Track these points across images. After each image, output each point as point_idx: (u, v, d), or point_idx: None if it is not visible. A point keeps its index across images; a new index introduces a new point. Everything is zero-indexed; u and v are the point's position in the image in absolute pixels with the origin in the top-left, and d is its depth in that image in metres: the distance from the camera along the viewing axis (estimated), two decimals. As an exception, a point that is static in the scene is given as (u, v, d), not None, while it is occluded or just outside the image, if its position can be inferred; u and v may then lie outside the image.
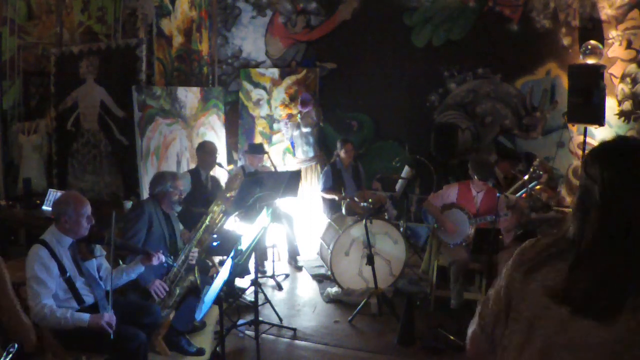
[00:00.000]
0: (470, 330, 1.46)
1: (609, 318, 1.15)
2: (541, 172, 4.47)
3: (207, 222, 3.85)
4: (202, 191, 4.75)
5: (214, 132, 6.34)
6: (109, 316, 2.80)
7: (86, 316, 2.79)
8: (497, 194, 4.08)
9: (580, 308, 1.18)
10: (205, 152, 4.89)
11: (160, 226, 3.63)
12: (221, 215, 3.98)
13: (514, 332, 1.30)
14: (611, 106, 5.52)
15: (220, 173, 5.53)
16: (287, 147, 6.70)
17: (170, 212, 3.76)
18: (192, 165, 5.66)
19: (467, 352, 1.50)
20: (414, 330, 3.93)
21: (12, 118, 6.20)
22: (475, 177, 4.36)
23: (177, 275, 3.55)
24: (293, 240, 5.58)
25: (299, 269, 5.55)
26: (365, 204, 4.72)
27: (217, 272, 2.91)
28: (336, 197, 5.36)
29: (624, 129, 5.57)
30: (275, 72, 6.73)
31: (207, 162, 4.87)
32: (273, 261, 5.13)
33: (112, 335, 2.77)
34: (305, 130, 6.48)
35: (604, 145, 1.27)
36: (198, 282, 3.55)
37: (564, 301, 1.21)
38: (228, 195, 4.21)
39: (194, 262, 3.65)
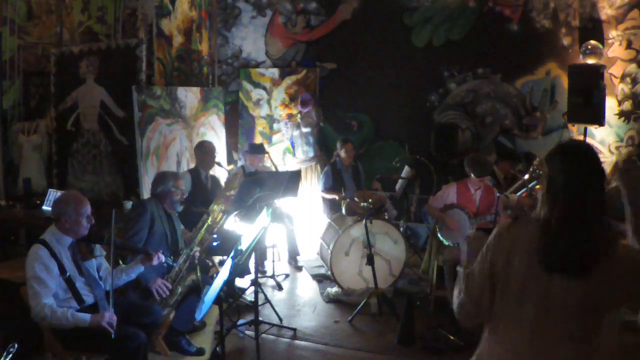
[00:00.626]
0: (457, 299, 1.79)
1: (584, 272, 1.54)
2: (541, 172, 4.46)
3: (208, 221, 3.85)
4: (203, 191, 4.75)
5: (214, 132, 6.34)
6: (109, 316, 2.79)
7: (87, 316, 2.79)
8: (497, 194, 4.08)
9: (559, 267, 1.56)
10: (204, 151, 4.90)
11: (162, 225, 3.62)
12: (221, 214, 3.98)
13: (508, 305, 1.66)
14: (611, 106, 5.51)
15: (220, 172, 5.53)
16: (287, 147, 6.70)
17: (171, 212, 3.76)
18: (192, 165, 5.66)
19: (457, 316, 1.83)
20: (414, 330, 3.93)
21: (12, 118, 6.20)
22: (472, 174, 4.37)
23: (179, 274, 3.56)
24: (293, 240, 5.58)
25: (299, 269, 5.55)
26: (365, 204, 4.71)
27: (217, 272, 2.91)
28: (336, 197, 5.36)
29: (624, 129, 5.57)
30: (275, 72, 6.73)
31: (206, 162, 4.87)
32: (273, 261, 5.13)
33: (113, 335, 2.77)
34: (305, 130, 6.48)
35: (563, 146, 1.70)
36: (200, 280, 3.55)
37: (545, 266, 1.58)
38: (228, 194, 4.21)
39: (195, 261, 3.65)
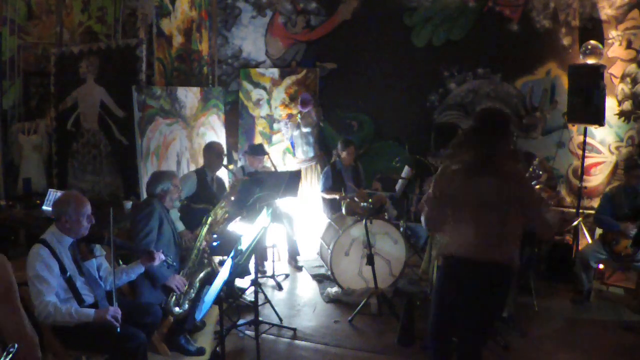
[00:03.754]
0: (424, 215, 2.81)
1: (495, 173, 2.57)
2: (541, 172, 4.46)
3: (211, 217, 3.86)
4: (207, 192, 4.69)
5: (214, 132, 6.33)
6: (114, 310, 2.80)
7: (91, 311, 2.80)
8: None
9: (478, 172, 2.59)
10: (213, 153, 4.79)
11: (169, 225, 3.63)
12: (224, 217, 3.99)
13: (455, 212, 2.69)
14: (611, 106, 5.52)
15: (221, 172, 5.52)
16: (287, 147, 6.70)
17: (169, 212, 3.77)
18: (192, 166, 5.66)
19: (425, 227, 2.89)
20: (414, 330, 3.93)
21: (12, 118, 6.20)
22: None
23: (192, 269, 3.62)
24: (293, 240, 5.58)
25: (299, 269, 5.55)
26: (365, 204, 4.71)
27: (217, 272, 2.91)
28: (337, 197, 5.36)
29: (624, 129, 5.57)
30: (275, 72, 6.73)
31: (214, 164, 4.78)
32: (273, 261, 5.13)
33: (118, 329, 2.77)
34: (305, 130, 6.48)
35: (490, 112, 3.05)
36: (215, 271, 3.58)
37: (469, 175, 2.62)
38: (232, 198, 4.21)
39: (205, 255, 3.68)
